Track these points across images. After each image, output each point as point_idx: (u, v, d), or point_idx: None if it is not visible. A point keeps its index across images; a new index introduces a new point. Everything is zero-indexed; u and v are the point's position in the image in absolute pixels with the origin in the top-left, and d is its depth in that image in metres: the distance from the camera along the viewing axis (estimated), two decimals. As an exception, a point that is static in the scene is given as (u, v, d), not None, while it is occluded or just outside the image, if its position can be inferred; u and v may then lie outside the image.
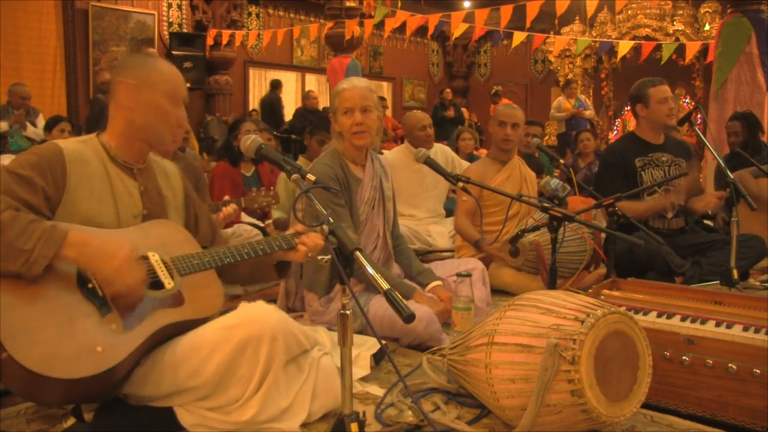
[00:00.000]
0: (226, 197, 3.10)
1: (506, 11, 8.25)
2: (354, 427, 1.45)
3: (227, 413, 1.60)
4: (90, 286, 1.52)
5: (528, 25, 7.94)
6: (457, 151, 6.30)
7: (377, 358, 2.20)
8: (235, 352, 1.57)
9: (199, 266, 1.72)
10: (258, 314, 1.62)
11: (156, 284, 1.62)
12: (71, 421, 1.64)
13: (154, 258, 1.64)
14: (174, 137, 1.80)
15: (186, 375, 1.57)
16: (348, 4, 8.87)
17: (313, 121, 4.46)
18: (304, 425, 1.71)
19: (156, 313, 1.59)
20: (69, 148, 1.66)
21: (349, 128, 2.58)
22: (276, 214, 4.07)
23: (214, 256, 1.76)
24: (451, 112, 10.78)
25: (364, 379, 2.06)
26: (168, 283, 1.63)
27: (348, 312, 1.44)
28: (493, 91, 11.87)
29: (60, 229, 1.48)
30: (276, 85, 10.88)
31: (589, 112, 9.98)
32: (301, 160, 4.12)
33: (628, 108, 6.64)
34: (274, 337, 1.59)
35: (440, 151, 4.63)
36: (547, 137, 11.44)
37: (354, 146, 2.63)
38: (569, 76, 11.95)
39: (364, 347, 2.16)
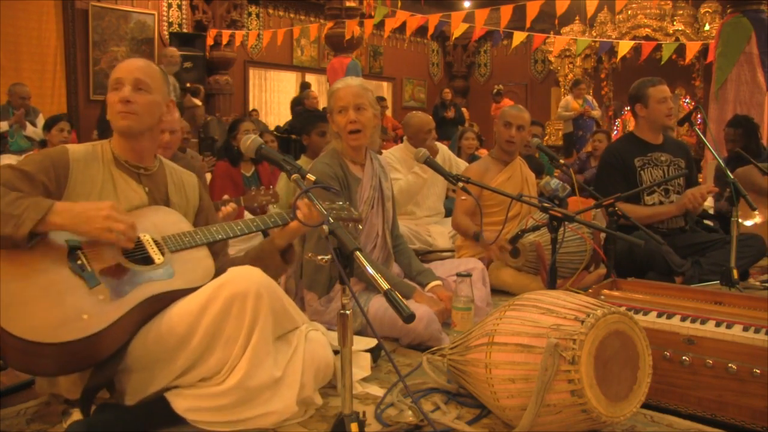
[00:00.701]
0: (225, 196, 3.10)
1: (506, 11, 8.26)
2: (354, 427, 1.45)
3: (217, 383, 1.61)
4: (79, 262, 1.59)
5: (528, 25, 7.95)
6: (459, 150, 6.30)
7: (374, 354, 2.20)
8: (222, 311, 1.60)
9: (189, 243, 1.78)
10: (243, 273, 1.66)
11: (146, 261, 1.68)
12: (71, 420, 1.64)
13: (145, 237, 1.71)
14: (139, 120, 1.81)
15: (176, 341, 1.60)
16: (348, 4, 8.88)
17: (309, 119, 4.43)
18: (303, 425, 1.72)
19: (144, 285, 1.64)
20: (74, 149, 1.79)
21: (344, 127, 2.59)
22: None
23: (205, 233, 1.83)
24: (450, 113, 10.78)
25: (364, 380, 2.06)
26: (158, 258, 1.68)
27: (348, 312, 1.43)
28: (495, 90, 11.88)
29: (47, 200, 1.59)
30: (305, 87, 10.94)
31: (597, 112, 10.00)
32: (303, 160, 4.11)
33: (628, 108, 6.64)
34: (259, 293, 1.62)
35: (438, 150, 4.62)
36: (547, 137, 11.45)
37: (351, 146, 2.63)
38: (569, 77, 11.96)
39: (359, 345, 2.17)
